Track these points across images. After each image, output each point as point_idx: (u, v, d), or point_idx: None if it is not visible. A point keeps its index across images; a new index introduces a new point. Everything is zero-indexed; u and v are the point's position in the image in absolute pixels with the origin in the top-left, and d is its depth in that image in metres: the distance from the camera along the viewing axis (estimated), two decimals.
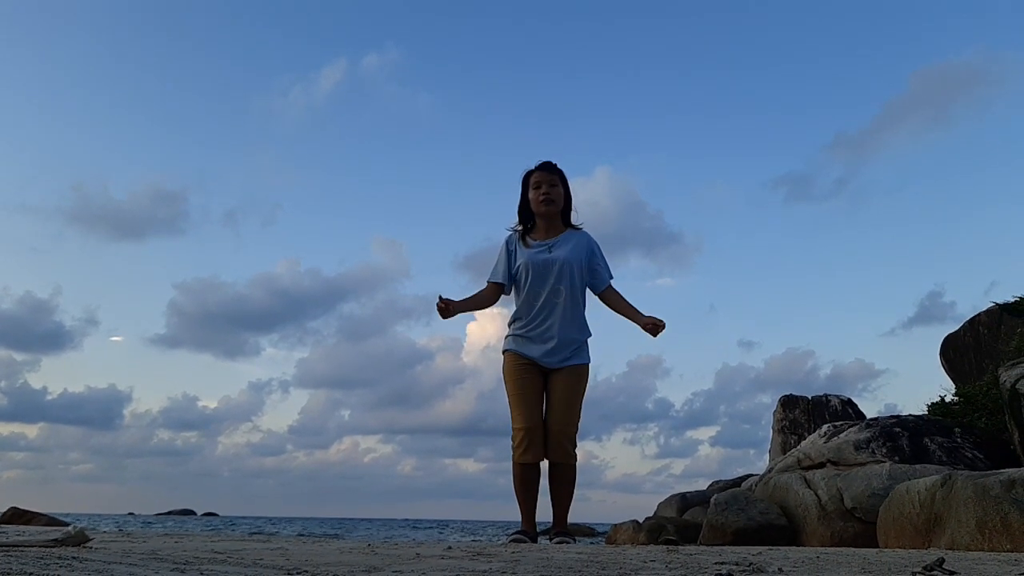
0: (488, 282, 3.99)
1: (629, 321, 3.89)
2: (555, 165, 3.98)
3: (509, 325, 3.99)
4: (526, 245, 3.92)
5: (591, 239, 3.99)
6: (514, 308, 4.00)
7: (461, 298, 3.90)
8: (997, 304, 11.73)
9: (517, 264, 3.89)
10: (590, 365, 3.91)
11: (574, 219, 4.05)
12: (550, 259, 3.82)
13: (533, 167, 3.98)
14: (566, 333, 3.83)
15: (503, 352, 3.96)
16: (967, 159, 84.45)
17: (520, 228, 4.02)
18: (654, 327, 3.79)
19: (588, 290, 3.98)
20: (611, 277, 3.98)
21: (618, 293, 3.97)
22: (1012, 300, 11.34)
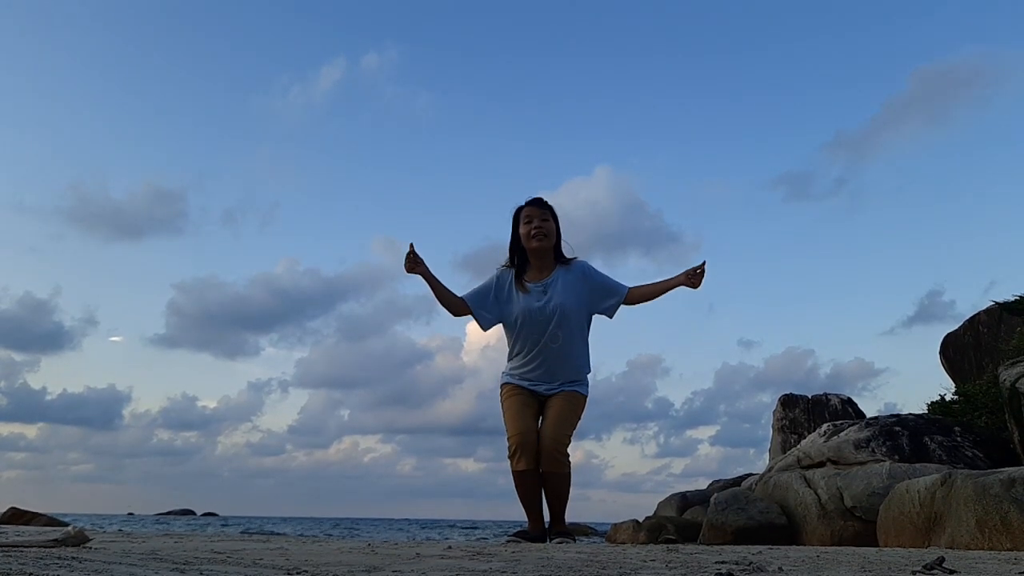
0: (464, 296, 3.86)
1: (657, 299, 3.81)
2: (545, 201, 3.87)
3: (508, 362, 3.95)
4: (522, 288, 3.80)
5: (583, 267, 3.86)
6: (509, 347, 3.92)
7: (439, 280, 3.78)
8: (997, 303, 11.74)
9: (514, 314, 3.78)
10: (587, 398, 3.85)
11: (566, 252, 3.91)
12: (546, 307, 3.72)
13: (523, 203, 3.86)
14: (565, 375, 3.81)
15: (501, 385, 3.93)
16: (967, 158, 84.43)
17: (511, 268, 3.89)
18: (694, 277, 3.66)
19: (617, 304, 3.85)
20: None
21: (639, 286, 3.83)
22: (1012, 299, 11.34)
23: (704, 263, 3.66)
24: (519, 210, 3.86)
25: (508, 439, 3.76)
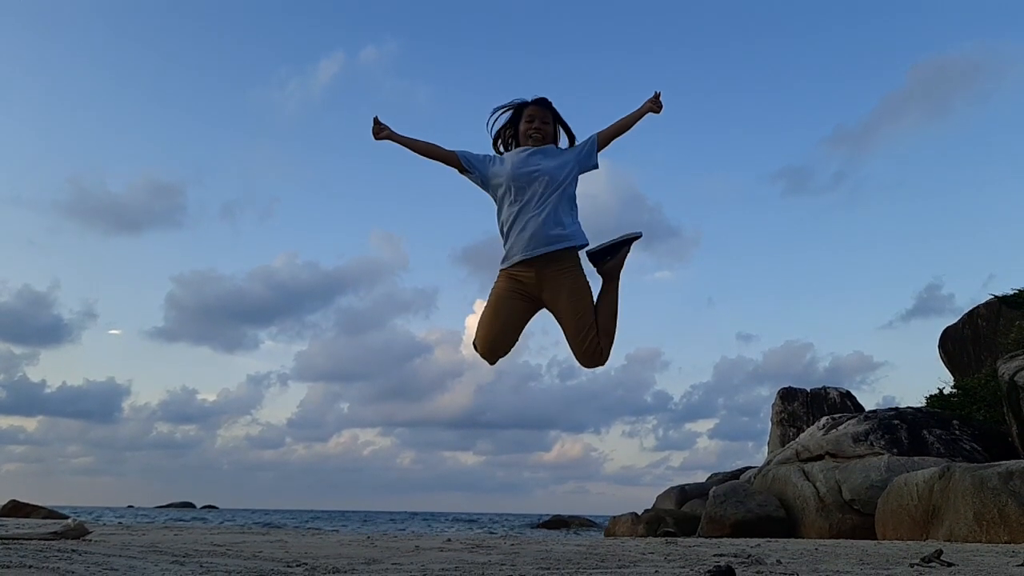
0: (452, 150, 3.89)
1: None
2: (549, 103, 3.90)
3: (504, 240, 3.92)
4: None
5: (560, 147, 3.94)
6: (500, 226, 3.91)
7: (411, 138, 3.83)
8: (996, 296, 11.74)
9: (501, 173, 3.74)
10: (581, 247, 3.72)
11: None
12: (530, 159, 3.72)
13: (528, 100, 3.90)
14: (553, 217, 3.68)
15: (500, 270, 3.92)
16: (965, 152, 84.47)
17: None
18: (655, 103, 3.84)
19: (598, 151, 3.86)
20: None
21: (606, 128, 3.90)
22: (1010, 293, 11.35)
23: (657, 96, 3.88)
24: (524, 105, 3.90)
25: (477, 339, 3.72)
